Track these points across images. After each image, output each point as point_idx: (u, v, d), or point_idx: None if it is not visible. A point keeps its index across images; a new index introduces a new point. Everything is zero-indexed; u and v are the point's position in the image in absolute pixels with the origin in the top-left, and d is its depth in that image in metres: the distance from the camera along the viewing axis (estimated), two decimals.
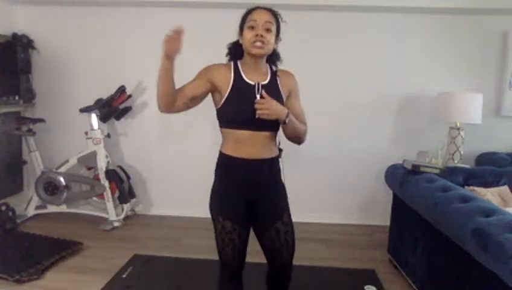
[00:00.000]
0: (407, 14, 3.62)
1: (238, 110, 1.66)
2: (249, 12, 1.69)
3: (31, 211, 3.72)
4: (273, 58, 1.79)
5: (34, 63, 3.84)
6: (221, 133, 1.77)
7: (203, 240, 3.40)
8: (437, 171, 2.65)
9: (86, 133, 3.63)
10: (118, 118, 3.79)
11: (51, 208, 3.74)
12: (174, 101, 1.67)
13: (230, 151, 1.71)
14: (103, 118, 3.64)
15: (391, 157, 3.24)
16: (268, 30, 1.64)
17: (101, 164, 3.60)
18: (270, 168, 1.77)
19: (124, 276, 2.71)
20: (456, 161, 3.35)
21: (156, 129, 3.90)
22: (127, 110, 3.79)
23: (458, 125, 3.35)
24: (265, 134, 1.69)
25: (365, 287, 2.58)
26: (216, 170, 1.80)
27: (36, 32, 3.81)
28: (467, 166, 3.16)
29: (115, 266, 2.82)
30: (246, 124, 1.66)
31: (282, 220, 1.77)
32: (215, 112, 1.77)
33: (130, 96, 3.74)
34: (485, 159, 3.51)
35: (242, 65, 1.73)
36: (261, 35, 1.62)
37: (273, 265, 1.87)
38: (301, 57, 3.67)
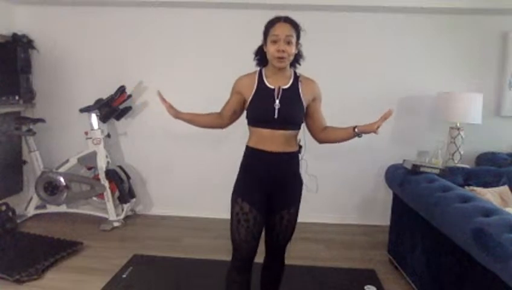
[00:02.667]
0: (407, 14, 3.62)
1: (259, 111, 1.87)
2: (272, 24, 1.84)
3: (31, 211, 3.72)
4: (296, 58, 1.94)
5: (34, 63, 3.84)
6: (249, 129, 1.96)
7: (203, 240, 3.41)
8: (437, 171, 2.65)
9: (86, 133, 3.63)
10: (118, 118, 3.79)
11: (51, 208, 3.74)
12: (220, 123, 2.07)
13: (254, 144, 1.91)
14: (103, 118, 3.64)
15: (391, 157, 3.24)
16: (289, 43, 1.80)
17: (101, 164, 3.60)
18: (288, 161, 1.91)
19: (124, 276, 2.71)
20: (456, 161, 3.35)
21: (156, 129, 3.90)
22: (127, 110, 3.79)
23: (458, 125, 3.35)
24: (283, 133, 1.86)
25: (365, 287, 2.58)
26: (242, 162, 1.98)
27: (36, 32, 3.81)
28: (467, 166, 3.16)
29: (115, 266, 2.82)
30: (266, 123, 1.85)
31: (289, 210, 1.93)
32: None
33: (130, 96, 3.74)
34: (485, 159, 3.51)
35: (266, 71, 1.92)
36: (283, 50, 1.79)
37: (268, 246, 2.03)
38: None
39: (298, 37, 1.86)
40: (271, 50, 1.81)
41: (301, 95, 1.89)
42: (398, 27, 3.67)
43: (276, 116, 1.82)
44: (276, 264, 2.08)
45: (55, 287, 2.57)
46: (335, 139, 2.05)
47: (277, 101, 1.83)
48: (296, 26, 1.85)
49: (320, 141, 2.06)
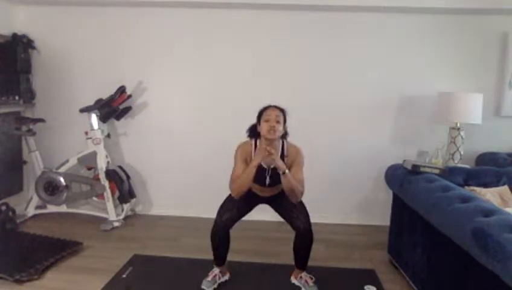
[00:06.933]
0: (407, 14, 3.62)
1: (254, 179, 2.37)
2: (265, 109, 2.42)
3: (31, 211, 3.72)
4: (284, 135, 2.49)
5: (34, 63, 3.85)
6: None
7: (203, 240, 3.39)
8: (437, 171, 2.64)
9: (86, 133, 3.63)
10: (118, 118, 3.79)
11: (51, 208, 3.74)
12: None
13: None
14: (103, 118, 3.64)
15: (391, 157, 3.25)
16: (278, 122, 2.35)
17: (101, 164, 3.60)
18: (275, 195, 2.56)
19: (124, 276, 2.71)
20: (456, 161, 3.35)
21: (156, 129, 3.90)
22: (127, 110, 3.79)
23: (458, 125, 3.35)
24: (272, 189, 2.51)
25: (365, 287, 2.58)
26: None
27: (36, 32, 3.81)
28: (467, 166, 3.16)
29: (115, 266, 2.82)
30: (259, 185, 2.49)
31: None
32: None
33: (130, 96, 3.74)
34: (485, 159, 3.51)
35: (260, 143, 2.44)
36: (274, 127, 2.34)
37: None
38: (301, 56, 3.67)
39: (285, 119, 2.42)
40: (265, 126, 2.35)
41: (285, 163, 2.38)
42: (398, 27, 3.67)
43: (266, 185, 2.47)
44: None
45: (55, 287, 2.57)
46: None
47: (267, 177, 2.44)
48: (283, 111, 2.42)
49: (285, 190, 2.42)
